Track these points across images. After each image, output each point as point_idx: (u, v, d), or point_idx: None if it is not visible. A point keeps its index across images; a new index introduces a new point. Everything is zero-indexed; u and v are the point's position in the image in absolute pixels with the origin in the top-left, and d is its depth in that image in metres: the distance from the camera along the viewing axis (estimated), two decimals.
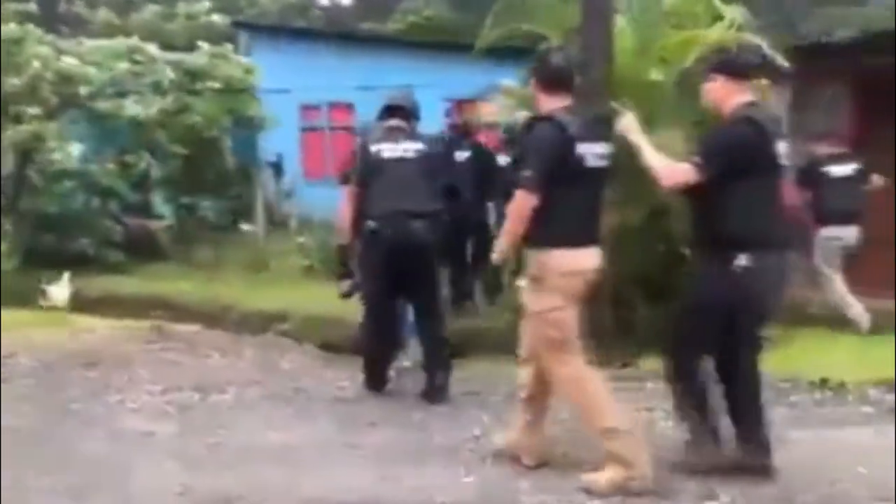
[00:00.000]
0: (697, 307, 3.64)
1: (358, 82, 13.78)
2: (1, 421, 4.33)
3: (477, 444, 4.15)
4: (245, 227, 11.68)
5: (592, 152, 3.54)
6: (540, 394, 3.78)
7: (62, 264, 9.72)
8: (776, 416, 4.51)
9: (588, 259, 3.58)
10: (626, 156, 3.87)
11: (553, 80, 3.68)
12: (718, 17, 6.80)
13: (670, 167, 3.59)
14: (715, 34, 6.44)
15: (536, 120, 3.66)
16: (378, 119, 5.34)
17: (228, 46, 9.75)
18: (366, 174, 5.04)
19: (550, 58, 3.78)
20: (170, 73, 8.84)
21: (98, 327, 6.66)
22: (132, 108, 8.67)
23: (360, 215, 5.06)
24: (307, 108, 14.29)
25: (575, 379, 3.58)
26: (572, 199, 3.52)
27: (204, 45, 9.57)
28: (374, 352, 5.18)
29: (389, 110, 5.29)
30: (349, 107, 14.10)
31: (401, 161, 4.99)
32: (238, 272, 10.47)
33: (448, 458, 3.98)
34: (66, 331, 6.49)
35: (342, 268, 5.63)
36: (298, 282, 9.86)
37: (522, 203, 3.49)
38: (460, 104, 13.72)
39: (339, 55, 13.90)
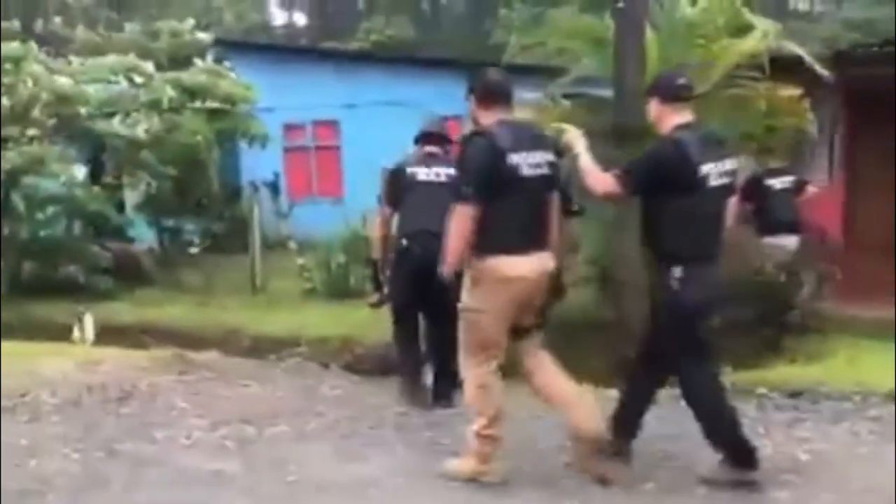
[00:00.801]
0: (673, 319, 3.79)
1: (342, 100, 13.59)
2: (45, 465, 4.01)
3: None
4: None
5: (528, 162, 3.66)
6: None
7: (52, 293, 9.30)
8: (864, 433, 4.43)
9: (525, 266, 3.68)
10: None
11: (489, 96, 3.84)
12: (744, 28, 6.76)
13: (597, 176, 3.78)
14: (747, 45, 6.39)
15: (473, 135, 3.80)
16: (415, 143, 5.66)
17: (226, 64, 9.41)
18: (400, 195, 5.32)
19: (488, 75, 3.95)
20: (170, 91, 8.49)
21: (108, 358, 6.25)
22: (131, 128, 8.28)
23: (390, 233, 5.44)
24: (291, 128, 13.98)
25: (480, 381, 3.79)
26: (508, 209, 3.65)
27: (199, 62, 9.23)
28: (408, 365, 5.37)
29: (425, 136, 5.60)
30: (334, 124, 13.85)
31: (432, 184, 5.22)
32: (231, 296, 10.13)
33: (547, 487, 3.77)
34: (71, 362, 6.04)
35: (373, 281, 5.71)
36: (300, 304, 9.57)
37: (461, 217, 3.63)
38: (446, 121, 13.62)
39: (321, 73, 13.65)
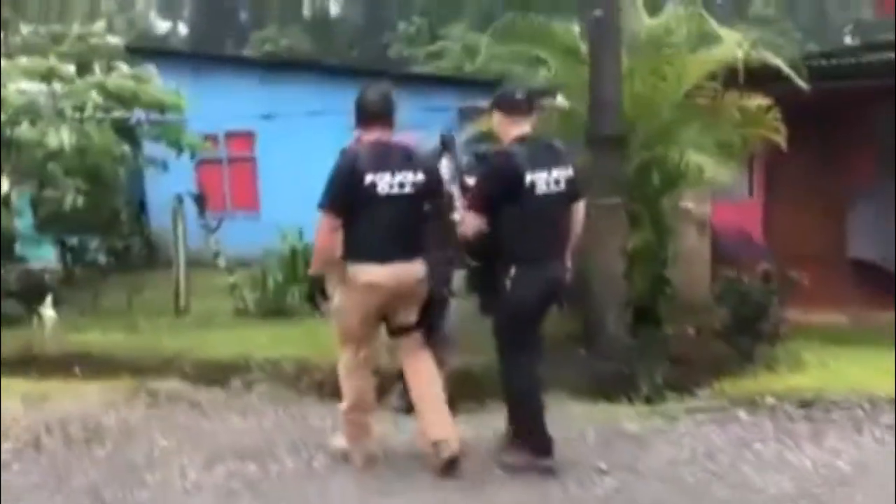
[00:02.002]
0: (502, 313, 4.20)
1: (259, 110, 13.00)
2: None
3: None
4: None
5: (386, 181, 4.02)
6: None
7: None
8: (887, 439, 4.43)
9: (384, 274, 4.07)
10: None
11: (366, 116, 4.20)
12: (708, 37, 6.79)
13: (464, 222, 4.24)
14: (720, 53, 6.41)
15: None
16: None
17: (151, 68, 8.72)
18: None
19: (366, 94, 4.22)
20: (95, 97, 7.75)
21: (54, 392, 5.61)
22: (56, 136, 7.50)
23: None
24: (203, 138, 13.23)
25: (345, 367, 4.30)
26: (368, 222, 4.05)
27: (123, 66, 8.49)
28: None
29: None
30: (249, 135, 13.23)
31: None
32: (154, 318, 9.40)
33: None
34: (18, 399, 5.39)
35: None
36: (233, 325, 8.96)
37: (322, 224, 4.10)
38: None
39: (236, 82, 13.03)
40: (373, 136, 4.16)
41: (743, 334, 6.52)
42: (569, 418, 5.06)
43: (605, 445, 4.50)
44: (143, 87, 8.16)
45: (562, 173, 4.13)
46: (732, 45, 6.40)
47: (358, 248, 4.08)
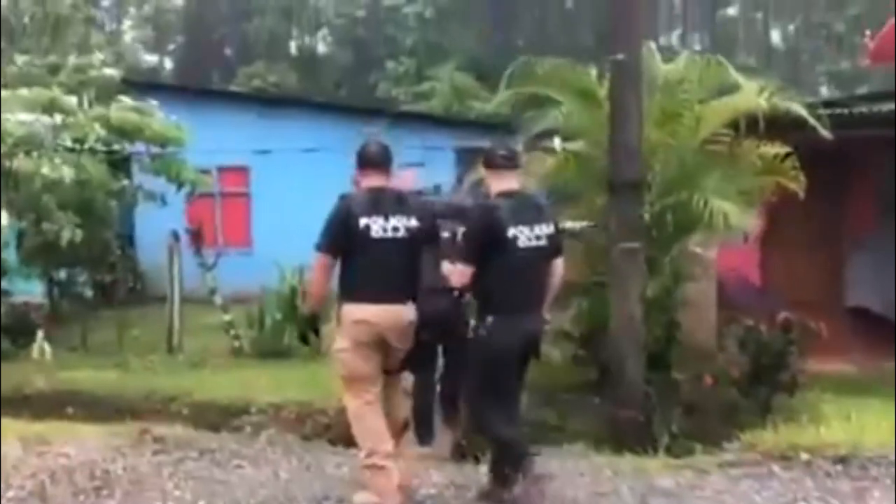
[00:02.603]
0: (477, 362, 4.33)
1: (254, 145, 12.86)
2: None
3: None
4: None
5: (378, 225, 4.18)
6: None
7: None
8: None
9: (377, 314, 4.19)
10: None
11: (364, 163, 4.39)
12: (727, 85, 6.77)
13: (454, 275, 4.36)
14: (739, 101, 6.38)
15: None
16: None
17: (153, 102, 8.55)
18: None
19: (368, 145, 4.44)
20: (98, 130, 7.54)
21: (55, 435, 5.31)
22: (55, 168, 7.29)
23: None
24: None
25: (354, 412, 4.29)
26: (361, 264, 4.21)
27: (125, 99, 8.29)
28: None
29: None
30: (243, 170, 13.06)
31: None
32: (145, 356, 9.13)
33: None
34: (16, 442, 5.10)
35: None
36: (229, 366, 8.72)
37: (316, 265, 4.30)
38: None
39: (231, 116, 12.89)
40: (370, 182, 4.34)
41: (761, 384, 6.41)
42: (596, 471, 4.90)
43: (640, 502, 4.31)
44: (146, 121, 7.98)
45: (543, 229, 4.32)
46: (752, 93, 6.36)
47: (351, 289, 4.25)
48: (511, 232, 4.21)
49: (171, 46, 36.17)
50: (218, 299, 9.30)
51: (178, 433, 5.42)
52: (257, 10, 29.42)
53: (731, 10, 39.24)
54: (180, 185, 8.64)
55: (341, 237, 4.20)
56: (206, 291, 9.73)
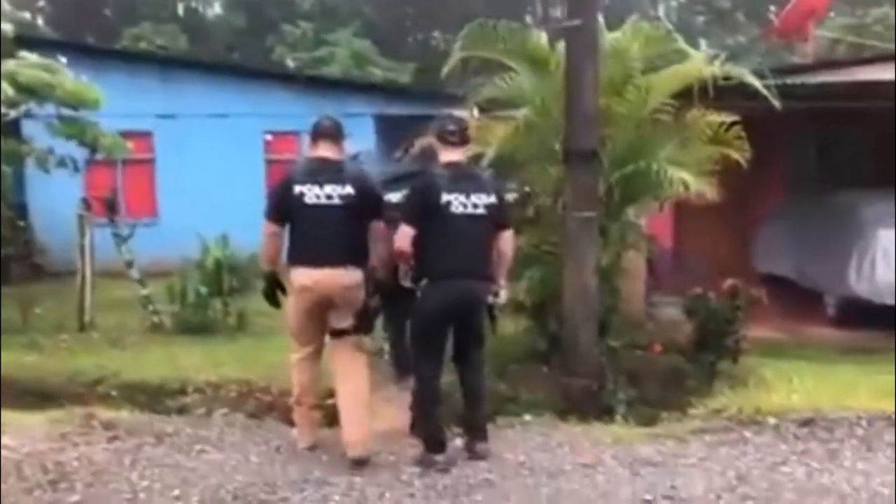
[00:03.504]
0: (414, 322, 4.70)
1: (156, 109, 12.16)
2: None
3: None
4: None
5: (314, 192, 4.46)
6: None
7: None
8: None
9: (312, 277, 4.48)
10: None
11: (315, 135, 4.67)
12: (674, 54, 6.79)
13: (396, 239, 4.51)
14: (688, 70, 6.39)
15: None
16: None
17: (62, 59, 7.78)
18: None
19: (321, 119, 4.72)
20: (7, 89, 6.79)
21: None
22: None
23: None
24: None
25: (292, 363, 4.81)
26: (298, 230, 4.55)
27: (29, 55, 7.50)
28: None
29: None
30: (147, 136, 12.32)
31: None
32: (55, 334, 8.50)
33: None
34: None
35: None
36: (150, 343, 8.21)
37: (264, 232, 4.61)
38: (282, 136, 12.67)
39: (131, 78, 12.09)
40: (316, 152, 4.63)
41: (707, 350, 6.53)
42: (573, 441, 4.86)
43: (634, 474, 4.28)
44: (57, 79, 7.32)
45: (482, 199, 4.52)
46: (699, 61, 6.39)
47: (292, 253, 4.61)
48: (445, 198, 4.43)
49: (40, 2, 33.80)
50: (135, 273, 8.75)
51: (126, 417, 5.06)
52: None
53: None
54: (93, 151, 7.99)
55: (281, 205, 4.53)
56: (118, 264, 9.13)
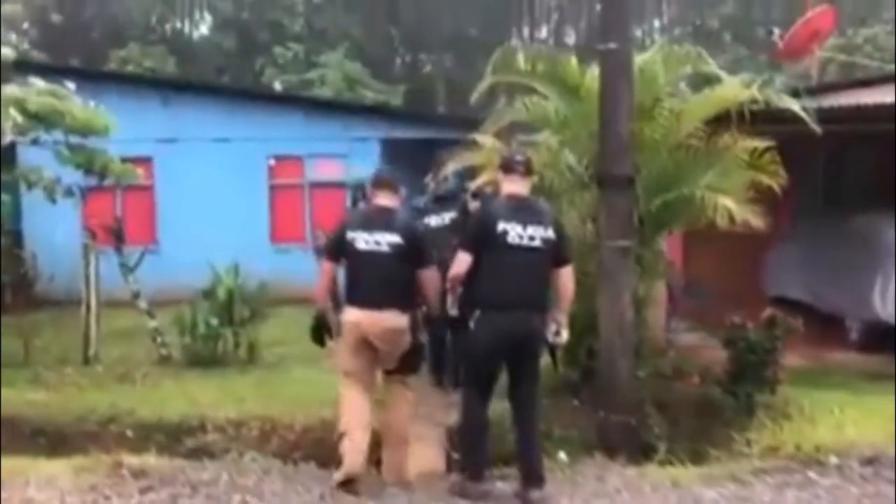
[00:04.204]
0: (465, 353, 4.82)
1: (157, 133, 11.91)
2: None
3: None
4: None
5: (365, 238, 4.70)
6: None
7: None
8: None
9: (360, 317, 4.69)
10: None
11: (374, 185, 5.00)
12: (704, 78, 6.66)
13: (452, 269, 4.64)
14: (724, 94, 6.24)
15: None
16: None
17: (70, 85, 7.51)
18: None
19: (381, 171, 5.57)
20: (15, 115, 6.51)
21: (5, 476, 4.54)
22: None
23: None
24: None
25: (340, 398, 4.88)
26: (351, 272, 4.78)
27: (38, 82, 7.22)
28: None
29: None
30: (147, 161, 12.04)
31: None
32: (59, 368, 8.18)
33: None
34: None
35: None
36: (159, 376, 7.91)
37: (320, 269, 4.95)
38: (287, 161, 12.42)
39: (132, 102, 11.81)
40: (375, 201, 4.93)
41: (745, 381, 6.34)
42: (630, 485, 4.63)
43: None
44: (66, 106, 7.07)
45: (538, 231, 4.54)
46: (734, 86, 6.25)
47: (347, 293, 4.81)
48: (501, 226, 4.48)
49: (25, 25, 33.44)
50: (143, 303, 8.46)
51: (155, 464, 4.76)
52: None
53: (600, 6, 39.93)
54: (102, 178, 7.73)
55: (336, 246, 4.82)
56: (119, 293, 8.84)
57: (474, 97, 6.40)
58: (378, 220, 4.75)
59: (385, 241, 4.67)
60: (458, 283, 4.60)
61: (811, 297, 9.89)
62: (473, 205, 6.64)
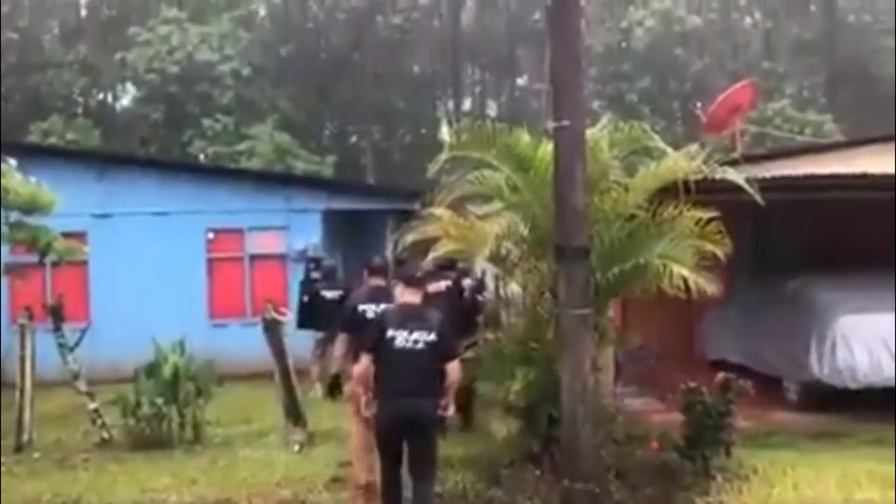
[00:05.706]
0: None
1: (91, 208, 11.66)
2: None
3: None
4: None
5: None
6: None
7: None
8: None
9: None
10: None
11: (369, 268, 6.37)
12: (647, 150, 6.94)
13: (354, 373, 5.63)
14: (680, 165, 6.48)
15: None
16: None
17: (11, 162, 7.30)
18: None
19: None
20: None
21: None
22: None
23: None
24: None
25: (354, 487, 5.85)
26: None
27: None
28: None
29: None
30: (80, 237, 11.71)
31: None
32: None
33: None
34: None
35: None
36: (102, 461, 7.57)
37: (362, 366, 5.51)
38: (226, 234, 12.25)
39: (65, 176, 11.52)
40: (372, 282, 6.18)
41: (703, 445, 6.45)
42: None
43: None
44: (10, 183, 6.88)
45: (422, 336, 5.30)
46: (680, 158, 6.53)
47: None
48: (391, 333, 5.29)
49: None
50: (82, 385, 8.15)
51: None
52: (52, 63, 27.21)
53: (520, 80, 41.26)
54: (43, 255, 7.50)
55: (374, 342, 5.39)
56: (51, 372, 8.50)
57: (432, 170, 6.50)
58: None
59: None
60: (363, 380, 5.40)
61: (749, 360, 10.17)
62: (467, 282, 7.07)
